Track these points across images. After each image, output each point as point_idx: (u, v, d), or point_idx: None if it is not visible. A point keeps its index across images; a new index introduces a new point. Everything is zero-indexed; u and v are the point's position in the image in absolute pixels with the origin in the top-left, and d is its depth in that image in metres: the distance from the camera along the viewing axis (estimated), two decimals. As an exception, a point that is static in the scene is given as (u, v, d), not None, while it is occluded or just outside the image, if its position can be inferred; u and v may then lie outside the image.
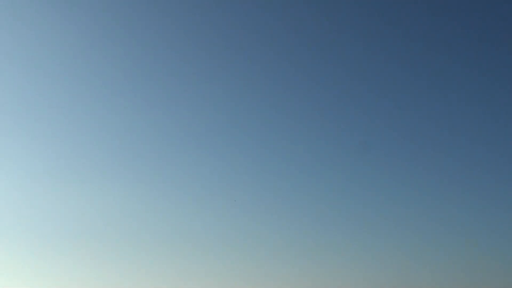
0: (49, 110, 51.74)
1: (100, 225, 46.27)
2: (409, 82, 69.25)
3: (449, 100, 68.69)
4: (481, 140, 64.59)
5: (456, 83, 68.02)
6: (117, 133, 50.76)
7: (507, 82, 61.67)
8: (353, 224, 57.54)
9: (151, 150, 52.35)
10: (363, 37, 67.40)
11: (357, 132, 64.59)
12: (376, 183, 62.89)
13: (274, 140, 65.23)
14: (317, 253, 55.19)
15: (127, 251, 44.31)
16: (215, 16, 58.05)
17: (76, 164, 50.54)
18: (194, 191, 49.06)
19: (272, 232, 55.19)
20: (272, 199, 58.24)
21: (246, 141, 64.91)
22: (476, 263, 53.54)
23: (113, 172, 49.09)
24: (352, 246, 55.79)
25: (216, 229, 46.53)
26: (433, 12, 65.11)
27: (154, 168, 53.23)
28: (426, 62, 67.90)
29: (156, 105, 52.75)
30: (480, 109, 66.36)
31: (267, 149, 65.80)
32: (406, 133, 68.48)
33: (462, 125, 66.67)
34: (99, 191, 47.18)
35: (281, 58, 66.97)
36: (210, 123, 58.61)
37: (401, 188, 62.35)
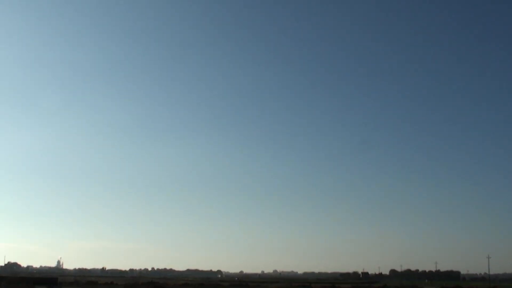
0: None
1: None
2: (409, 82, 71.77)
3: (449, 100, 71.14)
4: (481, 139, 67.43)
5: (456, 83, 70.47)
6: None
7: (506, 80, 63.81)
8: (355, 220, 61.13)
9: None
10: (364, 38, 69.61)
11: (357, 132, 67.57)
12: (376, 180, 65.69)
13: (276, 138, 68.75)
14: (318, 247, 59.11)
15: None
16: (227, 18, 61.63)
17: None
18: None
19: (274, 229, 59.09)
20: (271, 198, 62.75)
21: (244, 141, 69.79)
22: (473, 259, 55.77)
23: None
24: (353, 240, 59.59)
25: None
26: (433, 12, 67.15)
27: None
28: (427, 62, 69.96)
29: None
30: (479, 109, 68.86)
31: (267, 148, 69.49)
32: (406, 133, 71.32)
33: (462, 125, 69.37)
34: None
35: (283, 58, 69.55)
36: (208, 117, 63.50)
37: (401, 186, 65.47)
